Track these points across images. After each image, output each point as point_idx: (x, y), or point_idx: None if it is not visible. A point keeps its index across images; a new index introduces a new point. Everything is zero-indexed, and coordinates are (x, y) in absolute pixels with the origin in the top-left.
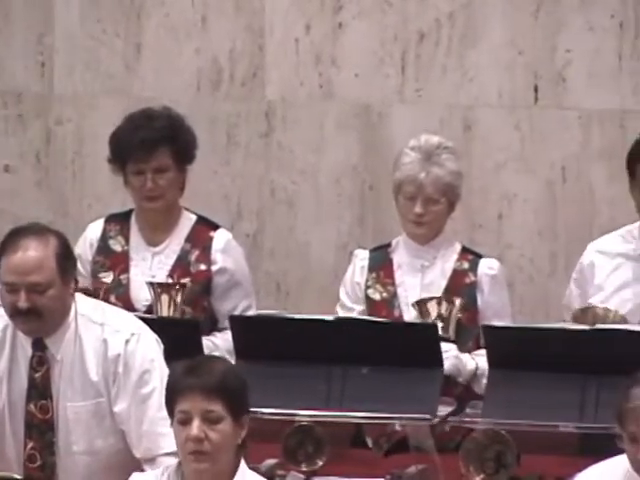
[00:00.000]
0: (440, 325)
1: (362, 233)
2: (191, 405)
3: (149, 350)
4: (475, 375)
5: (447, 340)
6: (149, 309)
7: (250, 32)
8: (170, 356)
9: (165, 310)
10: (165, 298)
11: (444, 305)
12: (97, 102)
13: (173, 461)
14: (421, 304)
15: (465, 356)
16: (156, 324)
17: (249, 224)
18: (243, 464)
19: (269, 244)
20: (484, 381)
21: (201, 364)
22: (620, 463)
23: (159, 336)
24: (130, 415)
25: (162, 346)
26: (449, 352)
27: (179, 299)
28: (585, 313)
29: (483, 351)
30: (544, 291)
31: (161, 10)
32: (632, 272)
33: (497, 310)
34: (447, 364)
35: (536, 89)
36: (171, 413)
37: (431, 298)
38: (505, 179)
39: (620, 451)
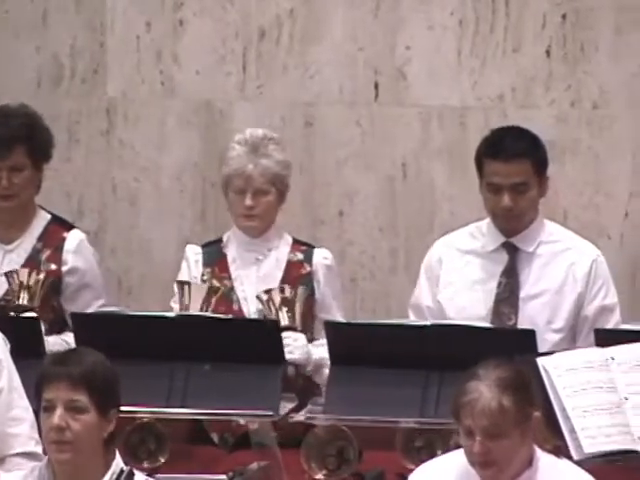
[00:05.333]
0: (287, 315)
1: (204, 230)
2: (55, 394)
3: None
4: (318, 365)
5: (294, 329)
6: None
7: (91, 29)
8: (11, 354)
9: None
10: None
11: (288, 295)
12: None
13: (23, 461)
14: (264, 296)
15: (310, 346)
16: None
17: (90, 221)
18: (118, 459)
19: (111, 241)
20: (325, 371)
21: (71, 354)
22: (456, 457)
23: None
24: None
25: (9, 345)
26: (298, 341)
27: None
28: None
29: (322, 341)
30: (385, 287)
31: (1, 7)
32: (481, 269)
33: (333, 299)
34: (298, 353)
35: (376, 86)
36: (39, 401)
37: (274, 289)
38: (346, 175)
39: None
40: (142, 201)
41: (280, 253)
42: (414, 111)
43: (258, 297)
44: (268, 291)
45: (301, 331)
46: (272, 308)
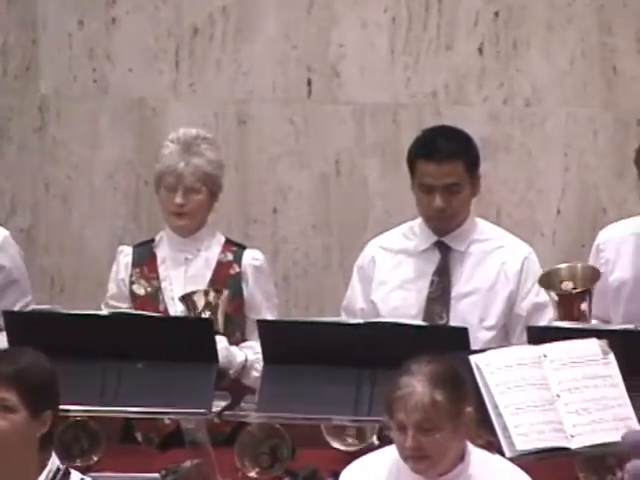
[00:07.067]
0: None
1: (137, 228)
2: None
3: None
4: (244, 367)
5: (217, 332)
6: None
7: (23, 26)
8: None
9: None
10: None
11: (211, 296)
12: None
13: None
14: (187, 297)
15: (234, 348)
16: None
17: (23, 219)
18: (54, 458)
19: (43, 239)
20: (253, 373)
21: (7, 353)
22: (389, 453)
23: None
24: None
25: None
26: (220, 344)
27: None
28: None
29: (250, 343)
30: (318, 285)
31: None
32: (413, 268)
33: (263, 300)
34: (218, 356)
35: (310, 83)
36: None
37: (198, 290)
38: (280, 173)
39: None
40: (75, 199)
41: (211, 253)
42: (347, 108)
43: (180, 299)
44: (191, 293)
45: (223, 334)
46: (194, 309)
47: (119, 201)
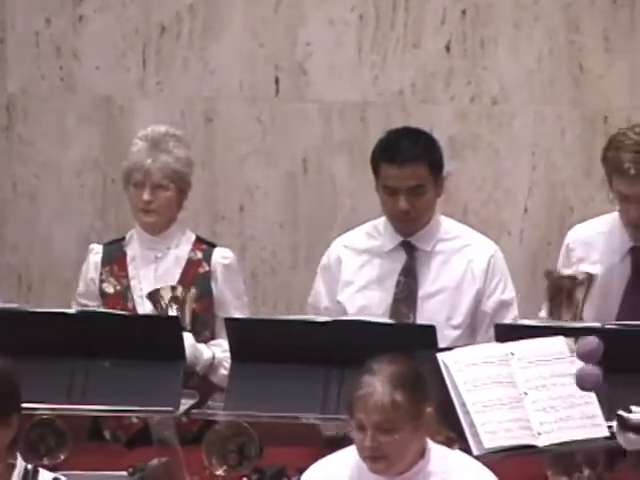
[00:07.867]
0: (177, 312)
1: (104, 226)
2: None
3: None
4: (212, 364)
5: (183, 329)
6: None
7: None
8: None
9: None
10: None
11: (179, 291)
12: None
13: None
14: (154, 294)
15: (202, 345)
16: None
17: None
18: (19, 459)
19: (11, 237)
20: (221, 371)
21: None
22: (350, 453)
23: None
24: None
25: None
26: (186, 341)
27: None
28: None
29: (219, 341)
30: (286, 283)
31: None
32: (378, 268)
33: (232, 298)
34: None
35: (277, 81)
36: None
37: (165, 286)
38: (247, 171)
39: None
40: (42, 197)
41: (180, 251)
42: (315, 106)
43: (147, 296)
44: (158, 289)
45: (190, 331)
46: (161, 305)
47: (86, 199)
